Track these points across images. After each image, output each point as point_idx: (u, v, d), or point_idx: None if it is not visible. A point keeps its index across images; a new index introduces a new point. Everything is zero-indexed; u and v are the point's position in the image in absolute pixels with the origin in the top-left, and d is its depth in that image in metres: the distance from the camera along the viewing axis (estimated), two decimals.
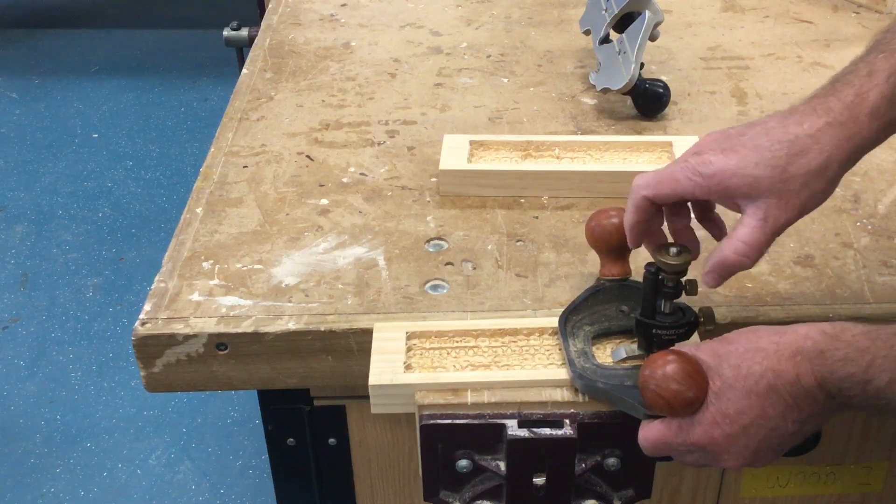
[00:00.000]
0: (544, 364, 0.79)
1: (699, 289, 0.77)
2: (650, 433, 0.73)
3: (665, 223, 0.80)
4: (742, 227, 0.72)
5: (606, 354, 0.80)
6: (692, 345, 0.74)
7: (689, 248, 0.76)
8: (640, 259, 0.83)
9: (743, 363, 0.69)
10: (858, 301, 0.86)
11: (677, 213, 0.78)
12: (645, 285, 0.77)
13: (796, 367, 0.67)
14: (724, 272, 0.73)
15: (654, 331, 0.77)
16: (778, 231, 0.72)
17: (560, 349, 0.80)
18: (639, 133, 1.12)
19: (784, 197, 0.70)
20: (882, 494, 0.99)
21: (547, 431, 0.76)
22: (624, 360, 0.78)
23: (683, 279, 0.76)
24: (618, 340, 0.82)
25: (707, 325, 0.77)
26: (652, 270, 0.76)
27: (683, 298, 0.77)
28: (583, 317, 0.82)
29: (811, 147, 0.70)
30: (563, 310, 0.82)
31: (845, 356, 0.66)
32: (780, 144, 0.70)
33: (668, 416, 0.72)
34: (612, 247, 0.82)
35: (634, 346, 0.79)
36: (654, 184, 0.74)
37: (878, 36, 0.74)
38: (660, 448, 0.73)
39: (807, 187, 0.70)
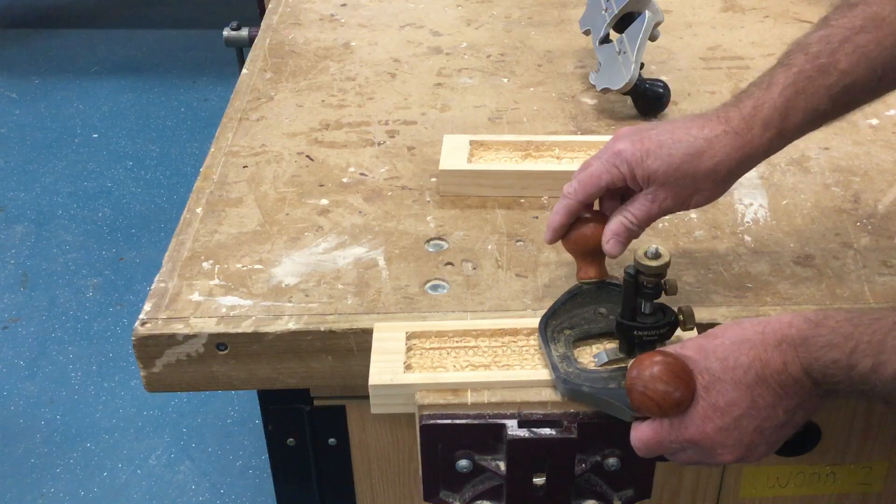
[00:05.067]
0: (544, 364, 0.79)
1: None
2: (643, 434, 0.73)
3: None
4: (635, 201, 0.81)
5: (588, 358, 0.80)
6: (678, 343, 0.75)
7: (667, 250, 0.78)
8: (618, 259, 0.83)
9: (730, 355, 0.70)
10: (858, 301, 0.86)
11: (611, 197, 0.84)
12: (625, 288, 0.77)
13: (782, 355, 0.68)
14: (621, 239, 0.81)
15: (635, 332, 0.77)
16: (664, 213, 0.81)
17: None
18: None
19: (673, 190, 0.79)
20: (882, 494, 0.99)
21: (547, 431, 0.76)
22: (607, 363, 0.78)
23: (662, 280, 0.77)
24: (599, 343, 0.82)
25: (687, 324, 0.78)
26: (631, 273, 0.76)
27: (663, 298, 0.78)
28: (562, 321, 0.82)
29: (705, 150, 0.78)
30: (542, 314, 0.82)
31: (828, 342, 0.67)
32: (679, 144, 0.78)
33: (656, 417, 0.72)
34: (588, 250, 0.83)
35: (616, 348, 0.79)
36: (581, 188, 0.82)
37: (787, 49, 0.81)
38: (653, 448, 0.73)
39: (694, 185, 0.79)
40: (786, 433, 0.71)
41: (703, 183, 0.79)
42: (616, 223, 0.81)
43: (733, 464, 0.74)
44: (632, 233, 0.81)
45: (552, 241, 0.84)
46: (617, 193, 0.84)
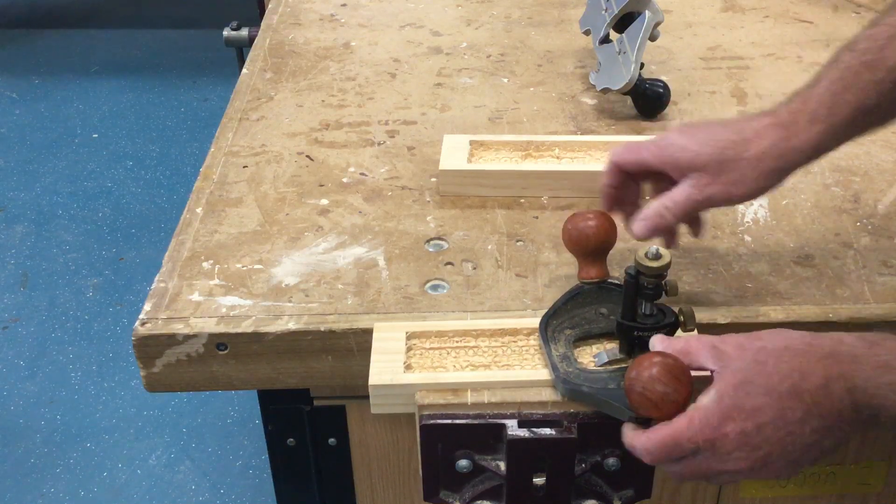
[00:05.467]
0: (544, 364, 0.79)
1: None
2: (656, 434, 0.70)
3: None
4: (676, 188, 0.80)
5: (588, 358, 0.80)
6: (715, 336, 0.72)
7: (668, 251, 0.77)
8: (619, 260, 0.83)
9: (769, 360, 0.67)
10: (858, 301, 0.86)
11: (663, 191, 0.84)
12: (625, 288, 0.77)
13: (826, 370, 0.65)
14: (649, 223, 0.81)
15: (635, 333, 0.77)
16: (703, 201, 0.79)
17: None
18: (639, 133, 1.12)
19: (716, 174, 0.78)
20: (882, 494, 0.99)
21: (547, 431, 0.76)
22: (607, 363, 0.78)
23: (663, 281, 0.76)
24: (599, 344, 0.82)
25: (688, 325, 0.77)
26: (632, 273, 0.76)
27: (664, 299, 0.78)
28: (563, 321, 0.82)
29: (752, 139, 0.78)
30: (542, 314, 0.82)
31: (885, 363, 0.64)
32: (727, 133, 0.79)
33: (654, 417, 0.71)
34: (590, 250, 0.82)
35: (616, 348, 0.79)
36: (620, 151, 0.84)
37: (836, 49, 0.81)
38: (669, 446, 0.69)
39: (738, 171, 0.78)
40: (809, 457, 0.68)
41: (748, 170, 0.78)
42: (651, 206, 0.81)
43: (741, 478, 0.70)
44: (664, 219, 0.80)
45: (608, 208, 0.85)
46: (661, 186, 0.84)
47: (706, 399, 0.69)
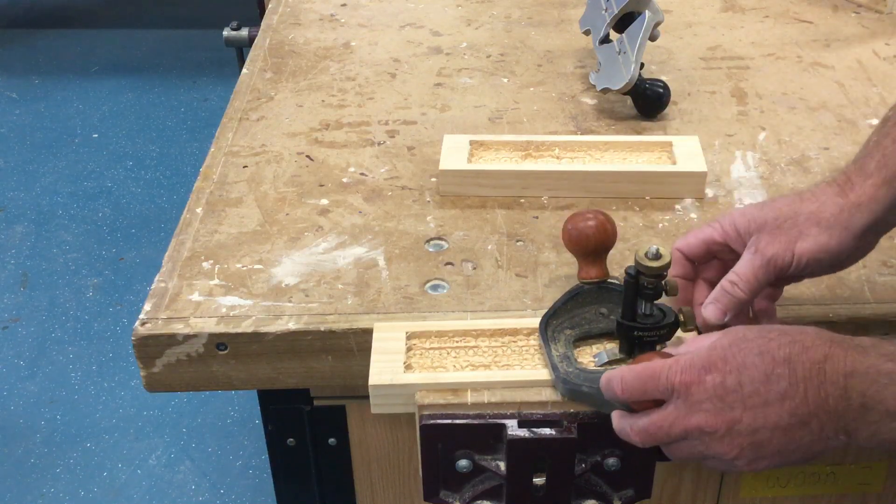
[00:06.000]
0: (544, 364, 0.79)
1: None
2: (637, 366, 0.70)
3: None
4: (738, 261, 0.78)
5: (588, 358, 0.80)
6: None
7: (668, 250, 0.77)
8: (619, 260, 0.83)
9: (774, 330, 0.67)
10: (858, 301, 0.86)
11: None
12: (625, 288, 0.77)
13: (828, 348, 0.65)
14: (719, 304, 0.77)
15: (635, 333, 0.77)
16: (765, 264, 0.76)
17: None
18: (639, 133, 1.12)
19: (774, 234, 0.77)
20: (882, 494, 0.99)
21: (547, 431, 0.76)
22: (607, 363, 0.78)
23: (663, 280, 0.76)
24: (599, 344, 0.82)
25: (688, 325, 0.77)
26: (632, 273, 0.76)
27: (664, 299, 0.78)
28: (563, 321, 0.82)
29: (809, 198, 0.78)
30: (542, 314, 0.82)
31: (890, 353, 0.64)
32: (784, 197, 0.80)
33: None
34: (590, 250, 0.82)
35: (616, 348, 0.79)
36: (682, 238, 0.82)
37: (886, 113, 0.81)
38: (643, 378, 0.69)
39: (797, 228, 0.77)
40: (776, 444, 0.66)
41: (806, 226, 0.76)
42: (717, 287, 0.78)
43: (700, 445, 0.68)
44: (734, 295, 0.76)
45: (683, 303, 0.81)
46: (725, 263, 0.81)
47: (699, 349, 0.69)
